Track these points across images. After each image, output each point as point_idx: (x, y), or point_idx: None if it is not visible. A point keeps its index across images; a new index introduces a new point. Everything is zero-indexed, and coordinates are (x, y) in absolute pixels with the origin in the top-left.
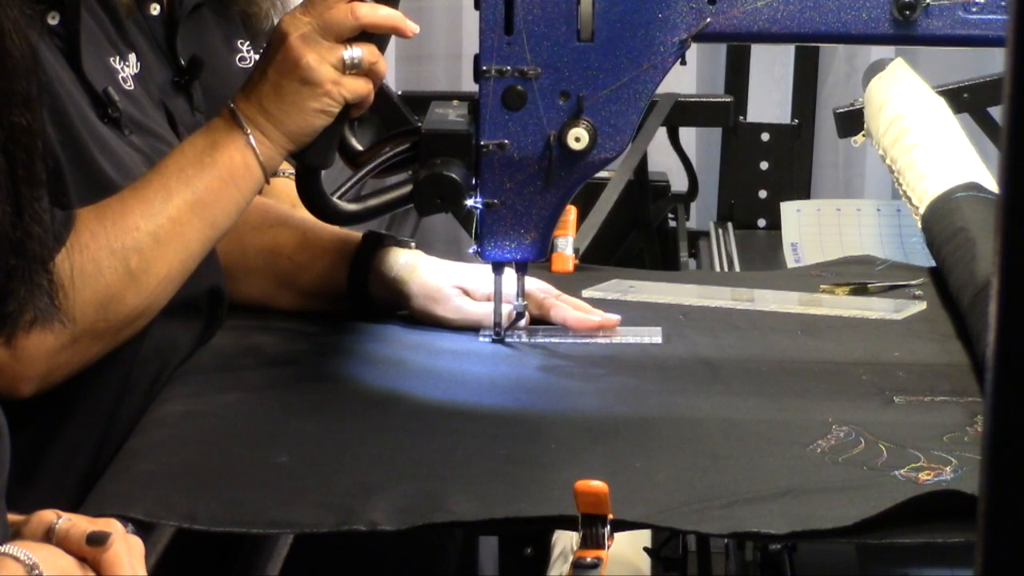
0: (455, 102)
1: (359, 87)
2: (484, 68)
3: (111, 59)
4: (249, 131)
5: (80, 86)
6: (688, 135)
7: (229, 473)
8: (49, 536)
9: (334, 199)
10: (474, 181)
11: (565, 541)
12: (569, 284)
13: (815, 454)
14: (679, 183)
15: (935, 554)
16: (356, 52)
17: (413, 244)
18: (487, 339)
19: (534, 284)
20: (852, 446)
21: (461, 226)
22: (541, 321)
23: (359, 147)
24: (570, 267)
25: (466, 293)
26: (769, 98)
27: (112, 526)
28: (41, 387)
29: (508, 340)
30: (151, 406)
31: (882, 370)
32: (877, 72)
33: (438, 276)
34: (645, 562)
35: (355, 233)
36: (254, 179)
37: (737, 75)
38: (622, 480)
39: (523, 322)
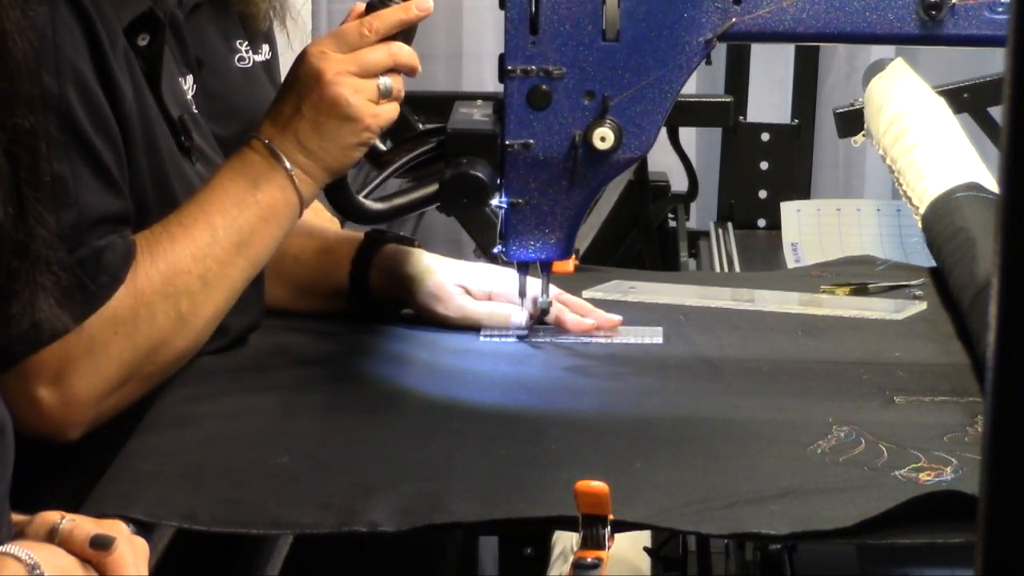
0: (479, 101)
1: (392, 113)
2: (509, 67)
3: (180, 79)
4: (291, 169)
5: (159, 112)
6: (688, 135)
7: (229, 473)
8: (52, 536)
9: (360, 198)
10: (499, 181)
11: (565, 541)
12: (569, 285)
13: (815, 454)
14: (679, 183)
15: (935, 554)
16: (387, 81)
17: (416, 242)
18: (487, 339)
19: (532, 284)
20: (852, 446)
21: (462, 226)
22: (540, 322)
23: (382, 147)
24: (570, 268)
25: (467, 292)
26: (769, 98)
27: (117, 528)
28: (88, 431)
29: (508, 340)
30: (152, 407)
31: (882, 370)
32: (877, 72)
33: (440, 274)
34: (645, 562)
35: (357, 233)
36: (294, 214)
37: (737, 75)
38: (622, 481)
39: (549, 319)
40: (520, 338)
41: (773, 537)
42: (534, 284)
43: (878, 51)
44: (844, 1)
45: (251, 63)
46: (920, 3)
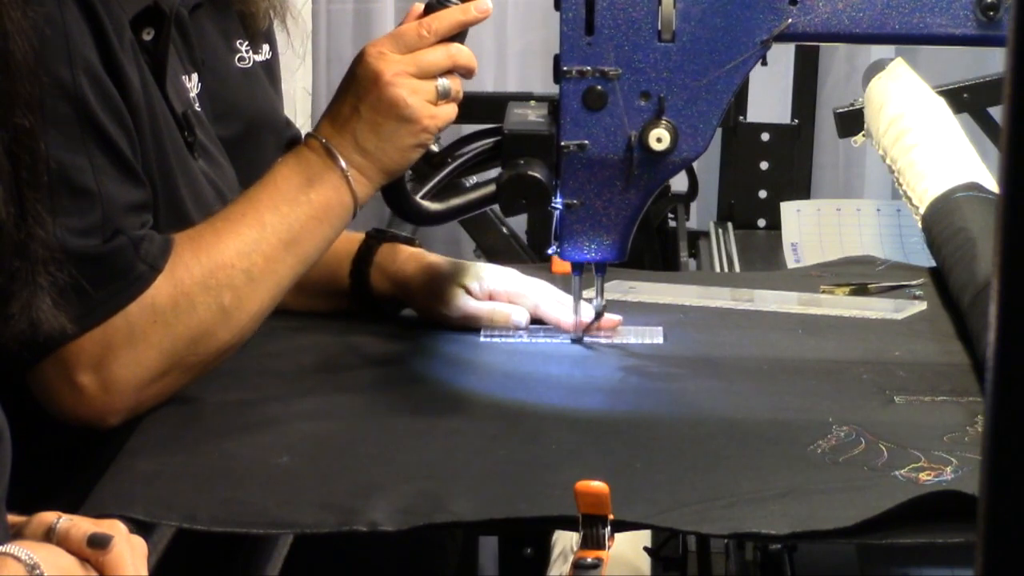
0: (532, 102)
1: (450, 114)
2: (565, 68)
3: (184, 77)
4: (347, 169)
5: (165, 107)
6: None
7: (229, 473)
8: (50, 536)
9: (418, 199)
10: (554, 182)
11: (565, 541)
12: (570, 284)
13: (815, 454)
14: (679, 183)
15: (935, 554)
16: (445, 82)
17: (417, 241)
18: (488, 339)
19: (533, 284)
20: (853, 446)
21: (461, 226)
22: (539, 321)
23: (434, 148)
24: (570, 268)
25: (468, 292)
26: (769, 98)
27: (115, 527)
28: (127, 418)
29: (505, 341)
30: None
31: (882, 370)
32: (877, 72)
33: (441, 274)
34: (645, 562)
35: (357, 232)
36: (347, 215)
37: None
38: (622, 480)
39: (597, 323)
40: (575, 340)
41: (773, 537)
42: (538, 286)
43: (878, 51)
44: (900, 2)
45: (251, 63)
46: (977, 3)
